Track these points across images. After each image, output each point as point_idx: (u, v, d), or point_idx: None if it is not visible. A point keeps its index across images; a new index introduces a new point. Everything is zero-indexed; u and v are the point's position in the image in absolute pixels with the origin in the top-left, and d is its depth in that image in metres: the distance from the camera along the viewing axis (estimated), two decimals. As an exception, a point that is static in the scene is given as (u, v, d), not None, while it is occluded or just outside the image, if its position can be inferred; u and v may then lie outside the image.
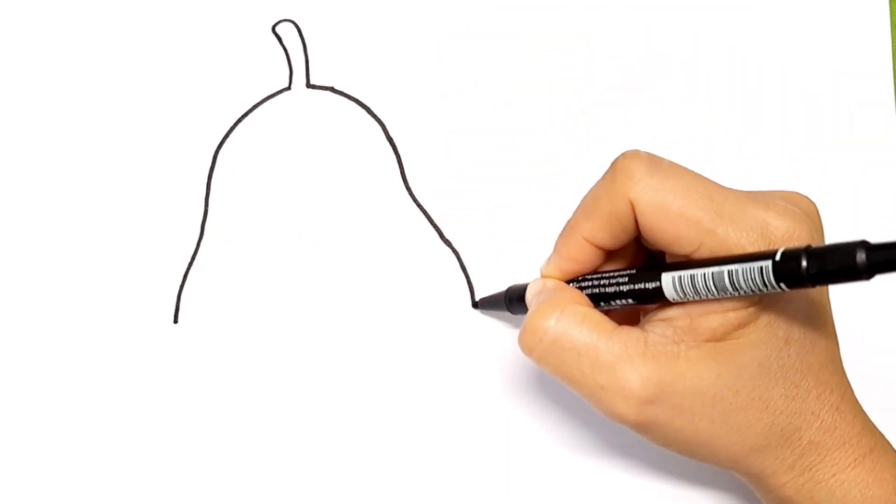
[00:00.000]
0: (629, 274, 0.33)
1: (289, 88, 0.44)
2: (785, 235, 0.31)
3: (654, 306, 0.33)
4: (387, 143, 0.43)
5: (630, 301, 0.33)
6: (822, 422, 0.33)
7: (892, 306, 0.42)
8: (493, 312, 0.42)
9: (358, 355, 0.42)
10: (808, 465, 0.33)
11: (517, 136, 0.43)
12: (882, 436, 0.34)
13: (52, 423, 0.41)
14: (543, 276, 0.35)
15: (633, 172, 0.32)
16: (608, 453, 0.41)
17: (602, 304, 0.34)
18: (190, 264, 0.42)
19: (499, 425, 0.41)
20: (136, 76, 0.44)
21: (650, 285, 0.32)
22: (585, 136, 0.43)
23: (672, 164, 0.32)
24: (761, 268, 0.29)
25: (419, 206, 0.43)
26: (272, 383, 0.42)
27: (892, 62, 0.44)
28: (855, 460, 0.33)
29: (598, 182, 0.33)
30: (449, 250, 0.43)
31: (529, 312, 0.33)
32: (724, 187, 0.32)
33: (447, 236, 0.43)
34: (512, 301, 0.39)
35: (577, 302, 0.33)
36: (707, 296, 0.31)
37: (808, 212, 0.33)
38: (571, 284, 0.35)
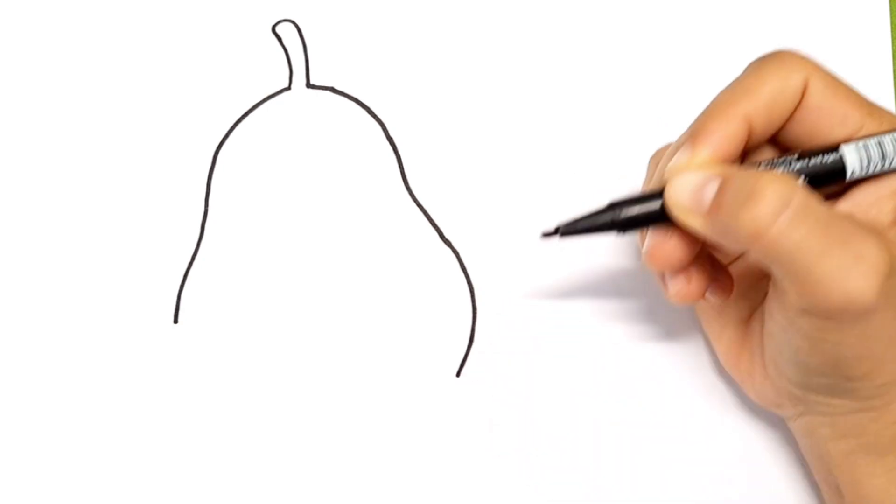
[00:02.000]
0: (798, 154, 0.32)
1: (289, 88, 0.44)
2: None
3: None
4: (387, 143, 0.43)
5: (802, 181, 0.31)
6: None
7: None
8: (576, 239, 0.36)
9: (358, 356, 0.42)
10: None
11: (517, 136, 0.43)
12: None
13: (53, 423, 0.41)
14: (685, 169, 0.31)
15: (802, 55, 0.32)
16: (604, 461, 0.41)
17: None
18: (190, 264, 0.42)
19: (497, 426, 0.41)
20: (135, 76, 0.44)
21: (829, 159, 0.31)
22: (586, 136, 0.43)
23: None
24: None
25: (419, 206, 0.43)
26: (272, 383, 0.42)
27: (892, 62, 0.44)
28: None
29: (755, 64, 0.33)
30: (449, 250, 0.43)
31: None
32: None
33: (447, 236, 0.43)
34: (619, 217, 0.31)
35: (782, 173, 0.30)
36: (890, 165, 0.31)
37: None
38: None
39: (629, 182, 0.43)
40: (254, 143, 0.43)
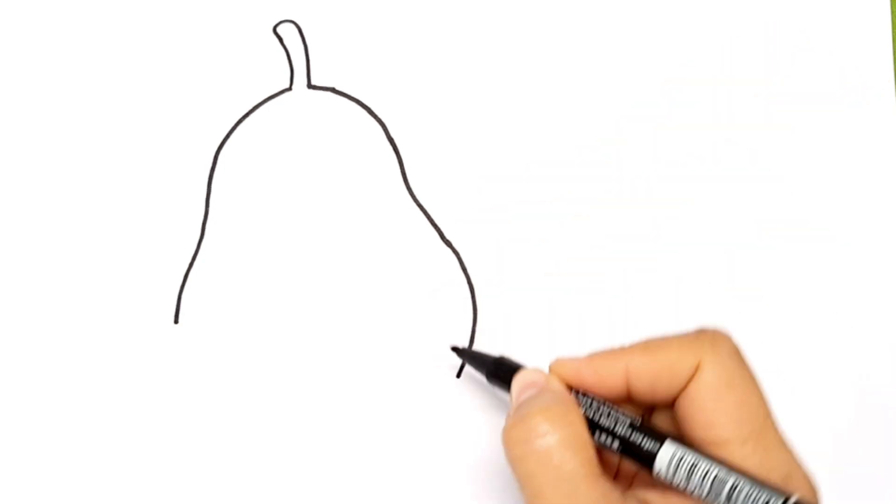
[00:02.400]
0: (632, 421, 0.32)
1: (290, 89, 0.44)
2: (803, 493, 0.31)
3: (639, 476, 0.32)
4: (388, 144, 0.43)
5: (615, 446, 0.32)
6: None
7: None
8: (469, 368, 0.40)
9: (358, 356, 0.42)
10: None
11: (517, 136, 0.43)
12: None
13: (53, 423, 0.41)
14: (552, 370, 0.34)
15: (720, 343, 0.31)
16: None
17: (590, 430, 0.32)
18: (190, 265, 0.42)
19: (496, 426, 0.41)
20: (137, 77, 0.44)
21: (648, 444, 0.31)
22: (586, 137, 0.43)
23: (751, 369, 0.32)
24: (768, 501, 0.28)
25: (420, 206, 0.43)
26: (273, 384, 0.42)
27: (892, 62, 0.44)
28: None
29: (675, 335, 0.32)
30: (449, 250, 0.42)
31: (530, 404, 0.31)
32: (773, 418, 0.32)
33: (447, 236, 0.43)
34: (498, 373, 0.36)
35: (581, 424, 0.31)
36: (693, 490, 0.30)
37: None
38: (573, 394, 0.33)
39: (629, 182, 0.43)
40: (255, 144, 0.43)
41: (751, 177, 0.43)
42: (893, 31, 0.44)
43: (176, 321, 0.42)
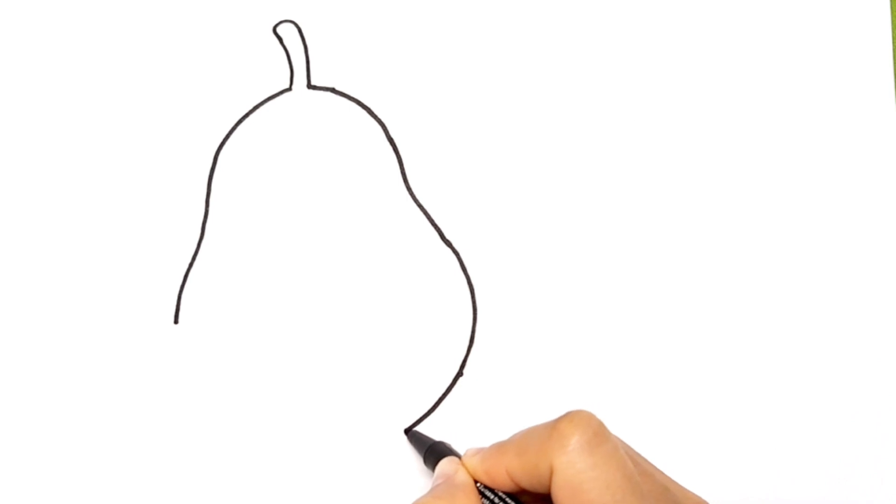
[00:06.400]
0: None
1: (290, 89, 0.44)
2: None
3: None
4: (387, 144, 0.43)
5: None
6: None
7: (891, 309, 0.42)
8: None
9: (358, 356, 0.42)
10: None
11: (517, 137, 0.43)
12: None
13: (53, 423, 0.41)
14: (464, 461, 0.34)
15: (567, 441, 0.30)
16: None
17: None
18: (190, 265, 0.42)
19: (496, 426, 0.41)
20: (137, 77, 0.44)
21: None
22: (586, 136, 0.43)
23: (612, 450, 0.31)
24: None
25: (420, 206, 0.43)
26: (272, 384, 0.42)
27: (892, 62, 0.44)
28: None
29: (538, 428, 0.32)
30: (449, 251, 0.42)
31: (429, 492, 0.33)
32: (643, 495, 0.31)
33: (447, 236, 0.43)
34: (429, 456, 0.38)
35: None
36: None
37: None
38: (480, 486, 0.34)
39: (629, 182, 0.43)
40: (255, 144, 0.43)
41: (749, 180, 0.43)
42: (893, 31, 0.44)
43: (176, 321, 0.42)
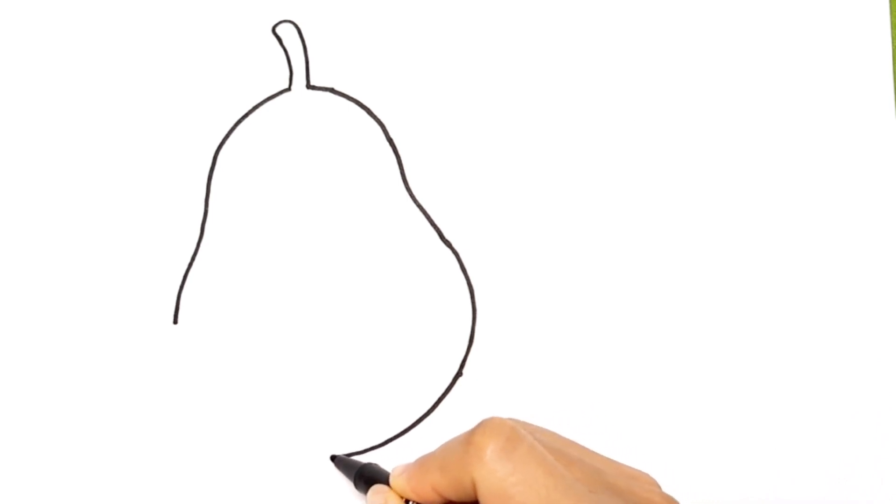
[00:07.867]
0: None
1: (289, 89, 0.44)
2: None
3: None
4: (387, 144, 0.43)
5: None
6: None
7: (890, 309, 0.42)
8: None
9: (358, 356, 0.42)
10: None
11: (517, 137, 0.43)
12: None
13: (53, 423, 0.41)
14: (392, 482, 0.35)
15: (483, 452, 0.31)
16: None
17: None
18: (190, 265, 0.42)
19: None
20: (136, 77, 0.44)
21: None
22: (585, 136, 0.43)
23: (528, 450, 0.31)
24: None
25: (419, 206, 0.43)
26: (272, 384, 0.42)
27: (892, 62, 0.44)
28: None
29: (455, 442, 0.32)
30: (449, 251, 0.42)
31: None
32: (570, 485, 0.31)
33: (447, 236, 0.43)
34: (359, 480, 0.38)
35: None
36: None
37: None
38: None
39: (628, 182, 0.43)
40: (254, 144, 0.43)
41: (749, 180, 0.43)
42: (893, 32, 0.44)
43: (175, 321, 0.42)
